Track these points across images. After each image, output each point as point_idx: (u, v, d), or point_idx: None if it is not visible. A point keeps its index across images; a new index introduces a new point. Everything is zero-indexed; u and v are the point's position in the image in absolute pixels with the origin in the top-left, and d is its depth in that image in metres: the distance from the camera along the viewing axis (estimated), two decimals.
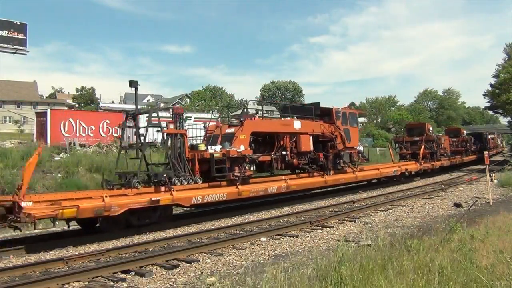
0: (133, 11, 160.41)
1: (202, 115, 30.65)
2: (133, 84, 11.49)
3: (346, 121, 18.39)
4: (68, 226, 10.62)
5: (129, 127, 12.05)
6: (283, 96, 72.69)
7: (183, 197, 11.26)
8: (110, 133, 24.99)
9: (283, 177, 15.29)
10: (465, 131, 40.91)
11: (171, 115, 13.32)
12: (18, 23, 25.36)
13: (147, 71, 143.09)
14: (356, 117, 19.99)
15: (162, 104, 44.70)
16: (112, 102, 57.53)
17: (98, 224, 10.57)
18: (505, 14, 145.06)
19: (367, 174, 20.20)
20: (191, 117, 27.22)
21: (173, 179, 11.29)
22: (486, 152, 16.61)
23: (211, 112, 35.99)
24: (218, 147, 12.87)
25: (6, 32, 24.72)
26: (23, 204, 8.40)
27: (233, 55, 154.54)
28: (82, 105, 65.21)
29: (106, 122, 25.24)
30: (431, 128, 31.09)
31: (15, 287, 6.02)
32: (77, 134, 23.58)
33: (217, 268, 7.26)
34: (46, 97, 72.51)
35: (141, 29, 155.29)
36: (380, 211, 13.22)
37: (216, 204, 13.27)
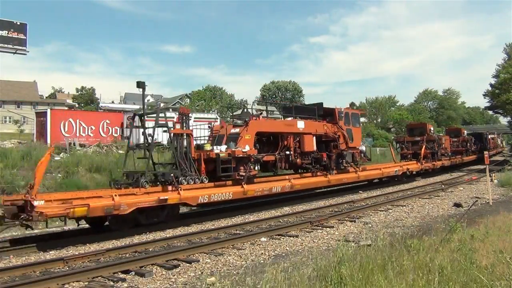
0: (133, 11, 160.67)
1: (202, 115, 30.66)
2: (140, 84, 11.63)
3: (349, 121, 18.57)
4: (78, 225, 10.77)
5: (137, 127, 12.10)
6: (283, 96, 72.66)
7: (190, 196, 11.43)
8: (110, 133, 25.02)
9: (287, 177, 15.44)
10: (465, 131, 40.94)
11: (178, 116, 13.48)
12: (18, 23, 25.37)
13: (147, 71, 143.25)
14: (358, 117, 20.15)
15: (162, 104, 44.63)
16: (112, 102, 57.59)
17: (106, 223, 10.73)
18: (505, 14, 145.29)
19: (369, 174, 20.30)
20: (191, 117, 27.18)
21: (180, 179, 11.43)
22: (486, 152, 16.62)
23: (211, 111, 35.98)
24: (223, 147, 13.00)
25: (6, 32, 24.74)
26: (35, 203, 8.50)
27: (233, 55, 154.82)
28: (82, 105, 65.27)
29: (106, 122, 25.27)
30: (432, 128, 31.17)
31: (15, 287, 6.02)
32: (77, 134, 23.61)
33: (217, 268, 7.26)
34: (46, 97, 72.53)
35: (141, 29, 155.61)
36: (380, 211, 13.21)
37: (222, 203, 13.41)
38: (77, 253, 8.50)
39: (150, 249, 8.70)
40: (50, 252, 8.78)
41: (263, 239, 9.41)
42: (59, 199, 9.22)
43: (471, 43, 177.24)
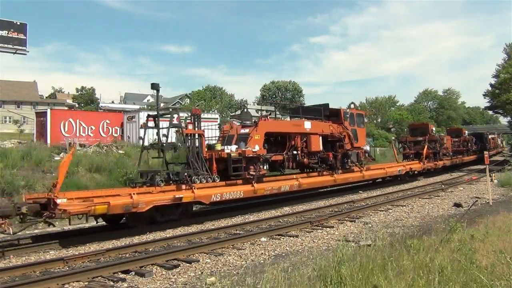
0: (133, 11, 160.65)
1: (204, 115, 30.69)
2: (154, 86, 11.91)
3: (354, 121, 18.85)
4: (96, 222, 11.04)
5: (150, 127, 12.27)
6: (283, 96, 72.57)
7: (204, 194, 11.74)
8: (110, 133, 25.02)
9: (294, 176, 15.71)
10: (466, 131, 41.00)
11: (189, 116, 13.77)
12: (18, 23, 25.34)
13: (147, 71, 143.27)
14: (363, 118, 20.44)
15: (162, 104, 44.69)
16: (112, 102, 57.68)
17: (123, 220, 11.02)
18: (505, 14, 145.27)
19: (374, 173, 20.61)
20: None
21: (193, 178, 11.65)
22: (486, 152, 16.64)
23: (211, 112, 35.99)
24: (234, 147, 13.24)
25: (6, 32, 24.70)
26: (58, 201, 8.74)
27: (233, 55, 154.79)
28: (82, 105, 65.22)
29: (106, 122, 25.28)
30: (434, 128, 31.28)
31: (15, 287, 6.02)
32: (77, 134, 23.62)
33: (217, 268, 7.26)
34: (46, 97, 72.55)
35: (141, 29, 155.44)
36: (380, 211, 13.22)
37: (233, 201, 13.74)
38: (77, 253, 8.51)
39: (150, 249, 8.70)
40: (50, 252, 8.79)
41: (263, 239, 9.41)
42: (79, 197, 9.53)
43: (471, 43, 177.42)
